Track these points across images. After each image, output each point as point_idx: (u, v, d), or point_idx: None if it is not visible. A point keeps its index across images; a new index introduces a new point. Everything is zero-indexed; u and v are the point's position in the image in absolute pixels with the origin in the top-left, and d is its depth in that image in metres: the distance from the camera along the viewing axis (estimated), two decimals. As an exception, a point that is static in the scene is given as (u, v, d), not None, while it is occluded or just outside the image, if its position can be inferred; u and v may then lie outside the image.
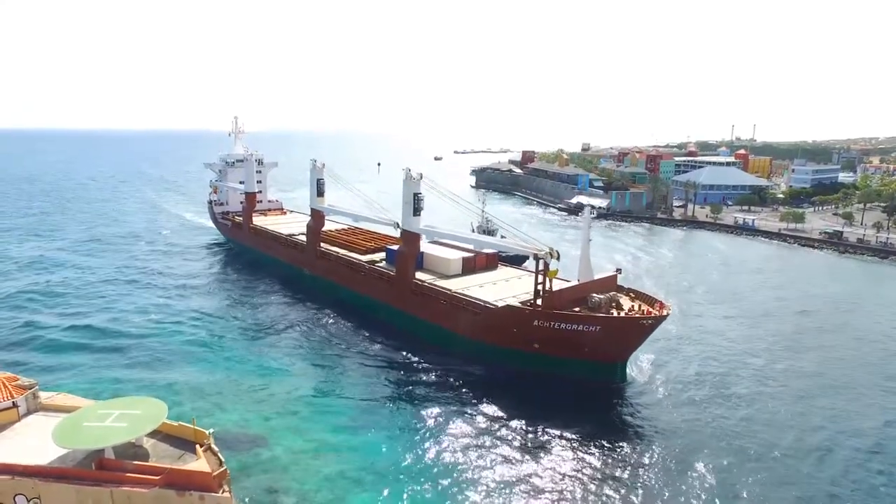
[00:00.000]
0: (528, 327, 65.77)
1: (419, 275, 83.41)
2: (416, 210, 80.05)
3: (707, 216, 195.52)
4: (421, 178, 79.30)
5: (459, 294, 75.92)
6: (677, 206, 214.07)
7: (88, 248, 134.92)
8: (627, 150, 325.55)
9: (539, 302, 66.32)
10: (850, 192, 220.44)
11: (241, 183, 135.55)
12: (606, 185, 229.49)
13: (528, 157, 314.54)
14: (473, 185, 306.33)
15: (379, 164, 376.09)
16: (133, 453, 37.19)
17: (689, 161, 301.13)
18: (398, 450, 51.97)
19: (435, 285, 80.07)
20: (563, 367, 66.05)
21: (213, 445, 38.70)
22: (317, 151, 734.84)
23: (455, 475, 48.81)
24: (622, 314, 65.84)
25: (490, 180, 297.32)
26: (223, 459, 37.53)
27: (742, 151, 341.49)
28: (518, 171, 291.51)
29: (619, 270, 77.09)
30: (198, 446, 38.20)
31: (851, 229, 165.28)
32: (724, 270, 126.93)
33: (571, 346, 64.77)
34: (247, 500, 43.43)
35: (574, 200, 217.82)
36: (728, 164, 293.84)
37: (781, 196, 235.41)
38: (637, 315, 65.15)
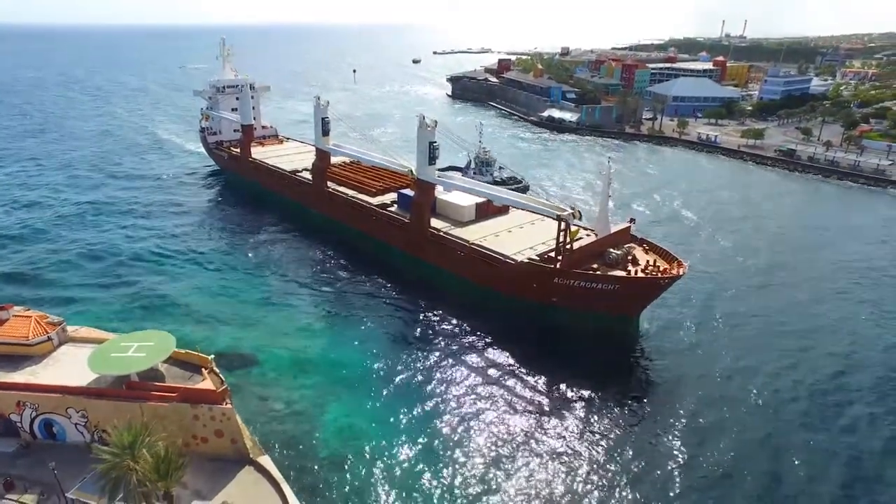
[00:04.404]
0: (548, 284, 68.08)
1: (433, 221, 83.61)
2: (432, 159, 78.67)
3: (674, 131, 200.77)
4: (436, 125, 77.90)
5: (477, 246, 76.65)
6: (647, 119, 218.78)
7: (82, 178, 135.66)
8: (604, 58, 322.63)
9: (560, 259, 68.24)
10: (817, 105, 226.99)
11: (233, 110, 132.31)
12: (580, 97, 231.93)
13: (504, 65, 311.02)
14: (450, 93, 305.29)
15: (355, 72, 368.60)
16: (152, 376, 47.28)
17: (665, 69, 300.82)
18: (381, 372, 61.45)
19: (451, 235, 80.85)
20: (579, 319, 68.59)
21: (214, 368, 48.93)
22: (287, 51, 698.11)
23: (433, 399, 57.45)
24: (638, 270, 68.02)
25: (466, 89, 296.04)
26: (223, 379, 47.92)
27: (720, 58, 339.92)
28: (494, 80, 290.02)
29: (632, 220, 77.89)
30: (203, 369, 48.44)
31: (805, 147, 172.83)
32: (667, 190, 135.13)
33: (589, 301, 67.27)
34: (244, 408, 54.50)
35: (546, 114, 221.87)
36: (704, 71, 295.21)
37: (750, 109, 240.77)
38: (655, 276, 67.00)
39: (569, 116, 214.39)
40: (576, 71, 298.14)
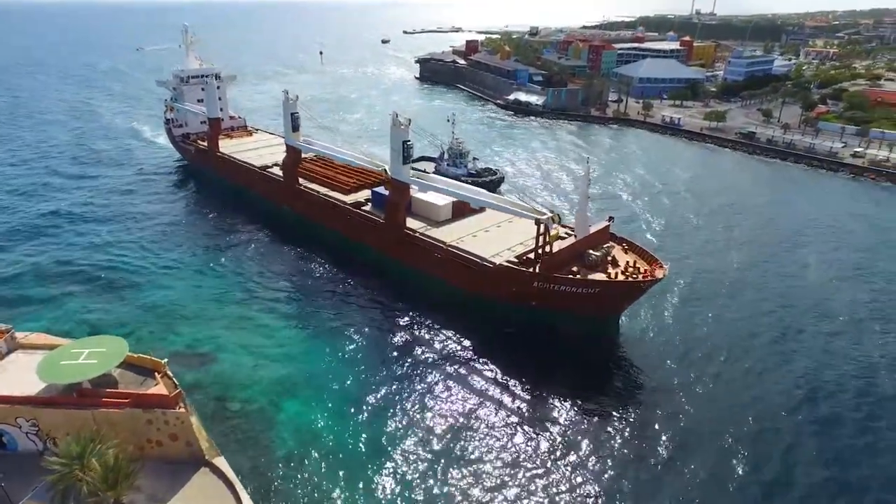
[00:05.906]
0: (528, 287, 67.56)
1: (408, 220, 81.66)
2: (406, 158, 76.58)
3: (639, 113, 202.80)
4: (409, 123, 75.98)
5: (454, 248, 75.22)
6: (613, 101, 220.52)
7: (41, 173, 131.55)
8: (572, 39, 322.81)
9: (539, 263, 67.60)
10: (779, 86, 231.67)
11: (199, 101, 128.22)
12: (546, 80, 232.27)
13: (471, 47, 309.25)
14: (418, 76, 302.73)
15: (321, 53, 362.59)
16: (105, 382, 47.17)
17: (632, 50, 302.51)
18: (342, 372, 61.63)
19: (427, 236, 78.99)
20: (559, 322, 68.15)
21: (168, 372, 49.00)
22: (249, 31, 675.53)
23: (397, 400, 57.48)
24: (619, 272, 67.62)
25: (434, 72, 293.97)
26: (177, 383, 48.02)
27: (687, 38, 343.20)
28: (462, 62, 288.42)
29: (611, 219, 76.93)
30: (156, 373, 48.54)
31: (764, 129, 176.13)
32: (631, 174, 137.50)
33: (569, 304, 66.81)
34: (200, 409, 54.92)
35: (512, 97, 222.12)
36: (671, 52, 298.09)
37: (714, 91, 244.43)
38: (636, 280, 66.64)
39: (535, 99, 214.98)
40: (544, 52, 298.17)
